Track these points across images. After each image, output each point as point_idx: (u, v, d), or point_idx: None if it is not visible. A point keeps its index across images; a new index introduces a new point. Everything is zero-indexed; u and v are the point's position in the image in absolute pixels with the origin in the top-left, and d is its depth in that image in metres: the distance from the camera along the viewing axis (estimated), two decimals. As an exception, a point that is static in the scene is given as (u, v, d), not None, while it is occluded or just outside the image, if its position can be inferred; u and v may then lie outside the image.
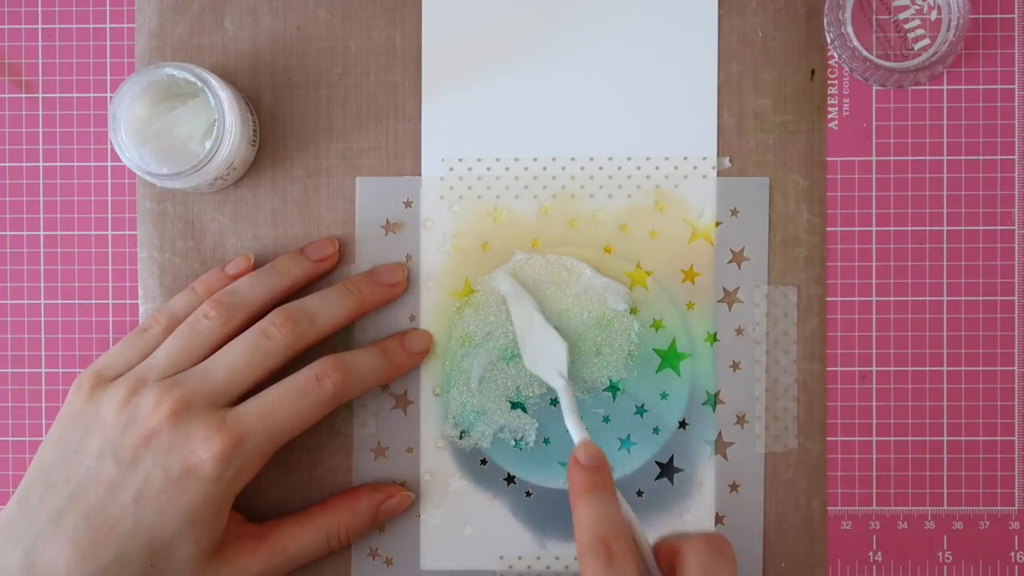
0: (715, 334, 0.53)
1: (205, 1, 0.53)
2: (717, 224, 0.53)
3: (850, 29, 0.52)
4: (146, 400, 0.47)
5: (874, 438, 0.53)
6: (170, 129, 0.49)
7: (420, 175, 0.53)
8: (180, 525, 0.46)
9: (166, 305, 0.51)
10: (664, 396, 0.53)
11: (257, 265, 0.52)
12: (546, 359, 0.51)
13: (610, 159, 0.53)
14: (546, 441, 0.53)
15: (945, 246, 0.53)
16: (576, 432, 0.48)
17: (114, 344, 0.52)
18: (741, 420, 0.53)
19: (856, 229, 0.53)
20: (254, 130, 0.52)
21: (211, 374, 0.47)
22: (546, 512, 0.53)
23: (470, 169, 0.53)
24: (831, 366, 0.53)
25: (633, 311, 0.53)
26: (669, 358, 0.53)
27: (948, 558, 0.53)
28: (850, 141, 0.53)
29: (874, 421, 0.53)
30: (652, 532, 0.52)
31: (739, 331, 0.53)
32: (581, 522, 0.44)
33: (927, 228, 0.53)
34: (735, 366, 0.53)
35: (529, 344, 0.52)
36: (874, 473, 0.53)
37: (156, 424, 0.46)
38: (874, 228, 0.53)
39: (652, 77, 0.53)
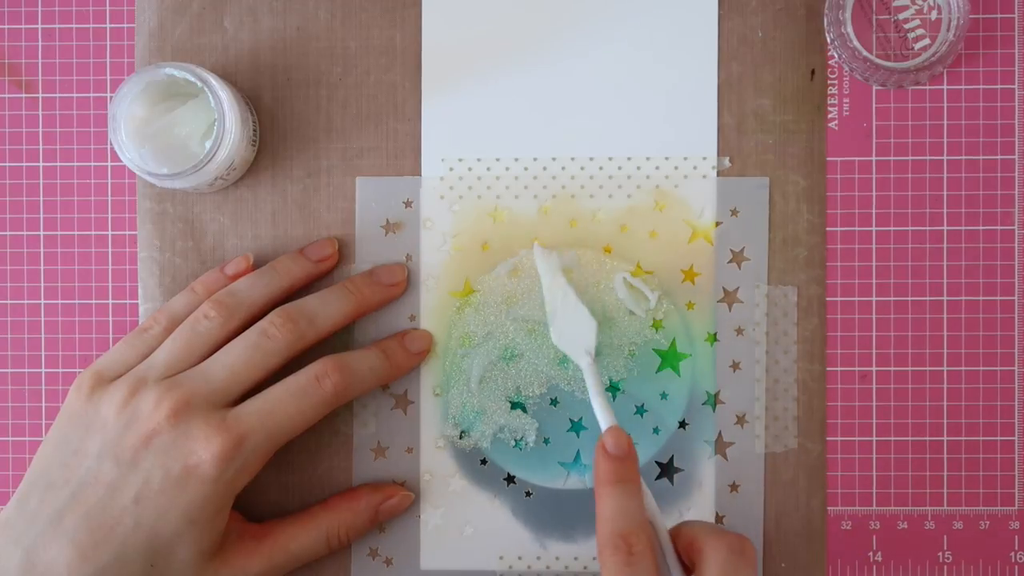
0: (715, 334, 0.53)
1: (205, 1, 0.53)
2: (717, 224, 0.53)
3: (850, 29, 0.52)
4: (146, 400, 0.47)
5: (874, 438, 0.53)
6: (170, 129, 0.49)
7: (420, 175, 0.53)
8: (180, 525, 0.46)
9: (166, 305, 0.51)
10: (664, 396, 0.53)
11: (257, 265, 0.52)
12: (575, 336, 0.51)
13: (610, 159, 0.53)
14: (546, 441, 0.53)
15: (945, 246, 0.53)
16: (603, 416, 0.47)
17: (114, 344, 0.52)
18: (741, 420, 0.53)
19: (856, 229, 0.53)
20: (254, 130, 0.52)
21: (211, 374, 0.47)
22: (546, 512, 0.53)
23: (470, 169, 0.53)
24: (831, 366, 0.53)
25: (657, 325, 0.52)
26: (669, 358, 0.53)
27: (948, 558, 0.53)
28: (850, 141, 0.53)
29: (874, 421, 0.53)
30: (652, 532, 0.53)
31: (739, 331, 0.53)
32: (603, 515, 0.44)
33: (927, 228, 0.53)
34: (735, 366, 0.53)
35: (558, 319, 0.51)
36: (874, 473, 0.53)
37: (156, 424, 0.46)
38: (874, 228, 0.53)
39: (652, 77, 0.53)
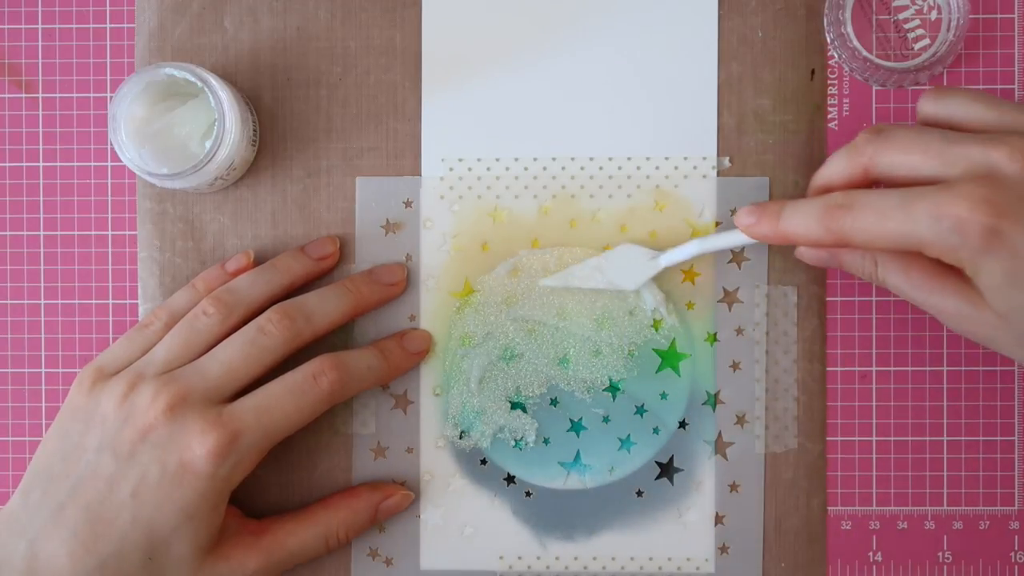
0: (715, 334, 0.53)
1: (205, 1, 0.53)
2: (717, 224, 0.53)
3: (850, 29, 0.52)
4: (143, 395, 0.47)
5: (874, 438, 0.53)
6: (170, 129, 0.49)
7: (420, 175, 0.53)
8: (177, 520, 0.46)
9: (166, 301, 0.51)
10: (664, 396, 0.53)
11: (257, 264, 0.52)
12: (633, 266, 0.52)
13: (610, 159, 0.53)
14: (546, 441, 0.53)
15: (945, 246, 0.53)
16: (715, 239, 0.50)
17: (115, 341, 0.52)
18: (741, 420, 0.53)
19: (856, 229, 0.53)
20: (254, 130, 0.52)
21: (208, 370, 0.48)
22: (546, 512, 0.53)
23: (470, 169, 0.53)
24: (831, 366, 0.53)
25: (657, 325, 0.53)
26: (669, 358, 0.53)
27: (948, 558, 0.53)
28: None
29: (874, 421, 0.53)
30: (652, 532, 0.53)
31: (739, 331, 0.53)
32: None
33: (927, 228, 0.53)
34: (735, 366, 0.53)
35: (611, 275, 0.52)
36: (874, 473, 0.53)
37: (152, 419, 0.46)
38: (874, 228, 0.53)
39: (652, 77, 0.53)
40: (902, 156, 0.44)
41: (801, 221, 0.45)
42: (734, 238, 0.49)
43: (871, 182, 0.46)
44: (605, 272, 0.52)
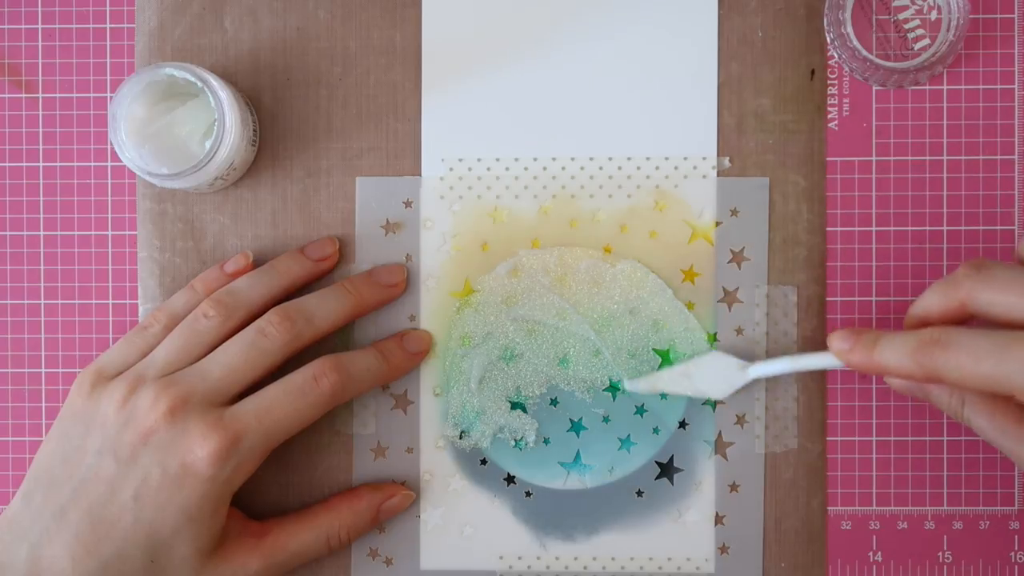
0: (715, 334, 0.53)
1: (205, 1, 0.53)
2: (717, 224, 0.53)
3: (850, 29, 0.52)
4: (144, 398, 0.47)
5: (874, 438, 0.53)
6: (170, 129, 0.49)
7: (420, 175, 0.53)
8: (178, 522, 0.46)
9: (166, 303, 0.51)
10: (664, 396, 0.53)
11: (256, 265, 0.52)
12: (722, 376, 0.52)
13: (610, 159, 0.53)
14: (546, 441, 0.53)
15: (945, 246, 0.53)
16: (807, 359, 0.49)
17: (114, 343, 0.52)
18: (741, 420, 0.53)
19: (856, 229, 0.53)
20: (254, 130, 0.52)
21: (208, 372, 0.48)
22: (546, 512, 0.53)
23: (470, 169, 0.53)
24: (831, 366, 0.53)
25: (657, 325, 0.53)
26: (669, 358, 0.53)
27: (948, 558, 0.53)
28: (850, 141, 0.53)
29: (874, 421, 0.53)
30: (651, 532, 0.53)
31: (739, 331, 0.53)
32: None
33: (927, 228, 0.53)
34: (735, 366, 0.53)
35: (699, 383, 0.52)
36: (874, 473, 0.53)
37: (153, 422, 0.46)
38: (874, 228, 0.53)
39: (652, 77, 0.53)
40: (1001, 296, 0.43)
41: (895, 355, 0.44)
42: (827, 360, 0.49)
43: (967, 316, 0.45)
44: (693, 379, 0.52)
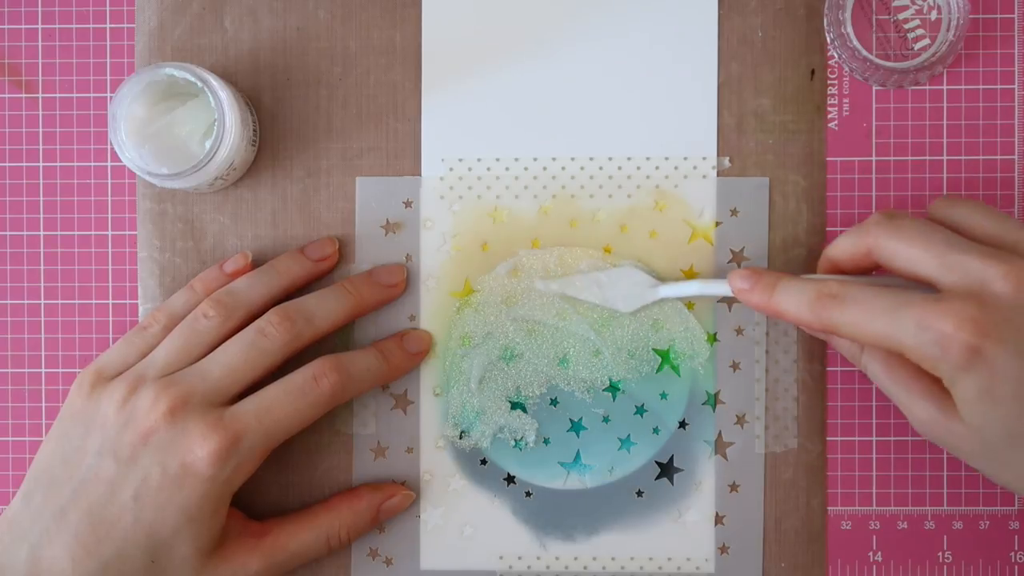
0: (715, 334, 0.53)
1: (205, 1, 0.53)
2: (717, 224, 0.53)
3: (850, 29, 0.52)
4: (144, 398, 0.47)
5: (874, 438, 0.53)
6: (170, 129, 0.49)
7: (420, 175, 0.53)
8: (178, 522, 0.46)
9: (165, 303, 0.51)
10: (664, 396, 0.53)
11: (256, 265, 0.52)
12: (632, 291, 0.52)
13: (610, 159, 0.53)
14: (546, 441, 0.53)
15: (945, 246, 0.53)
16: (715, 285, 0.50)
17: (114, 343, 0.52)
18: (741, 420, 0.53)
19: (856, 229, 0.53)
20: (254, 130, 0.52)
21: (208, 372, 0.48)
22: (546, 512, 0.53)
23: (470, 169, 0.53)
24: (831, 366, 0.53)
25: (657, 325, 0.53)
26: (669, 358, 0.53)
27: (948, 558, 0.53)
28: (850, 141, 0.53)
29: (874, 421, 0.53)
30: (651, 532, 0.53)
31: (739, 331, 0.53)
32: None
33: (927, 228, 0.53)
34: (735, 366, 0.53)
35: (608, 292, 0.52)
36: (874, 473, 0.53)
37: (153, 422, 0.46)
38: (874, 228, 0.53)
39: (652, 77, 0.53)
40: (905, 247, 0.44)
41: (793, 303, 0.46)
42: (711, 286, 0.50)
43: (873, 264, 0.46)
44: (604, 288, 0.52)
